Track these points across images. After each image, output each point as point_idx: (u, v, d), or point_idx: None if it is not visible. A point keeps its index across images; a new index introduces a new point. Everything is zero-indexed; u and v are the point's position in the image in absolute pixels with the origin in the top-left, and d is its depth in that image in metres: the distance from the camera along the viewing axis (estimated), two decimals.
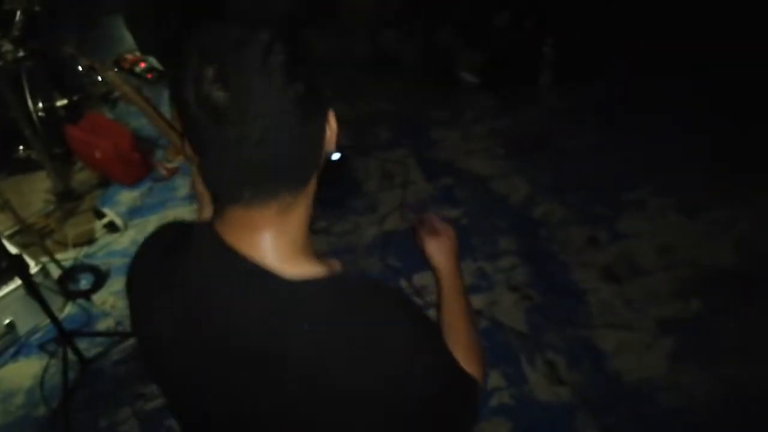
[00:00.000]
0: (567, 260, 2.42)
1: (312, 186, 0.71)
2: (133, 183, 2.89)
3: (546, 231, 2.53)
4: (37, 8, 2.93)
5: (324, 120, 0.69)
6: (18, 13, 2.82)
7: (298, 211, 0.69)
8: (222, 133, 0.61)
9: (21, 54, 2.73)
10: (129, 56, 3.66)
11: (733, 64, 2.94)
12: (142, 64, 3.56)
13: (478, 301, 2.29)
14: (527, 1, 3.37)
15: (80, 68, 2.55)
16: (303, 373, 0.66)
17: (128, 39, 3.87)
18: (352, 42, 3.79)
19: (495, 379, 2.02)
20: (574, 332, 2.18)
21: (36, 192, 2.91)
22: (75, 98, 3.15)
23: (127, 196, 2.86)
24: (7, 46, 2.71)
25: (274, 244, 0.68)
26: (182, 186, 2.88)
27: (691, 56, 3.07)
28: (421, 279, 2.38)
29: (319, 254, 0.74)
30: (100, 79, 2.31)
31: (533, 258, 2.44)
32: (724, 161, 2.68)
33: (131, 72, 3.57)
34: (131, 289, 0.80)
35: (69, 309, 2.39)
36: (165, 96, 3.34)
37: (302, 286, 0.67)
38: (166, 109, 3.17)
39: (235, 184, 0.66)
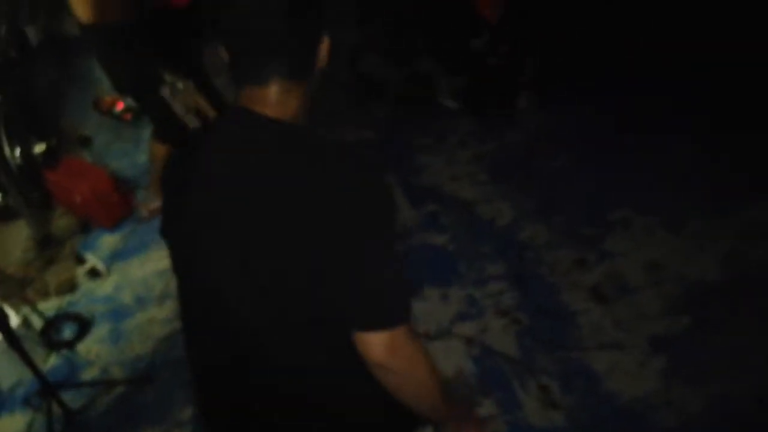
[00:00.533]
0: (555, 282, 2.41)
1: (307, 89, 0.94)
2: (114, 225, 2.86)
3: (533, 254, 2.53)
4: (13, 54, 2.92)
5: (317, 27, 0.92)
6: None
7: (294, 98, 0.92)
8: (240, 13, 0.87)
9: None
10: (107, 98, 3.64)
11: (714, 79, 3.00)
12: (120, 105, 3.55)
13: (467, 328, 2.28)
14: (504, 26, 3.42)
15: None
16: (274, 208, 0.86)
17: (105, 81, 3.87)
18: (334, 69, 3.81)
19: (488, 407, 2.00)
20: (566, 354, 2.17)
21: (15, 241, 2.87)
22: (52, 142, 3.13)
23: (108, 240, 2.82)
24: None
25: (275, 112, 0.91)
26: None
27: (670, 74, 3.13)
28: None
29: None
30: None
31: (521, 282, 2.43)
32: (707, 176, 2.71)
33: (109, 113, 3.56)
34: (164, 184, 1.05)
35: (53, 360, 2.34)
36: (144, 135, 3.33)
37: (297, 129, 0.93)
38: (145, 147, 3.17)
39: (245, 67, 0.91)
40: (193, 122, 2.35)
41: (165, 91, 2.26)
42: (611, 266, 2.44)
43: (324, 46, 0.94)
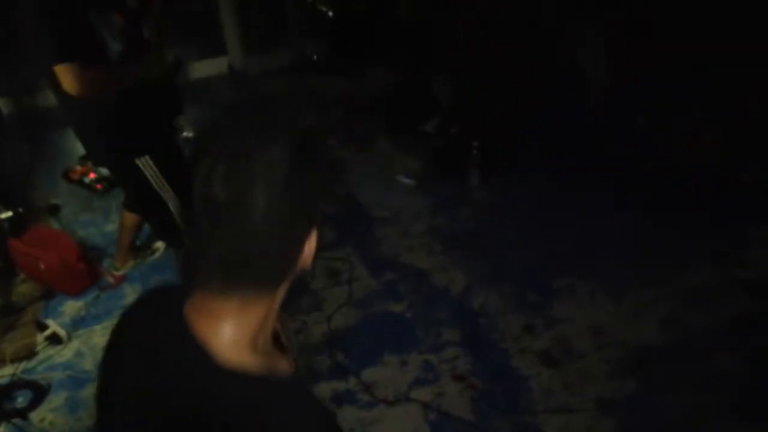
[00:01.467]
0: (507, 347, 2.54)
1: (280, 293, 0.78)
2: (78, 293, 2.87)
3: (485, 320, 2.67)
4: None
5: (307, 235, 0.76)
6: None
7: (258, 309, 0.76)
8: (214, 224, 0.70)
9: None
10: (78, 167, 3.74)
11: (650, 157, 3.30)
12: (92, 175, 3.64)
13: (425, 393, 2.35)
14: (454, 109, 3.72)
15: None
16: None
17: (76, 151, 3.97)
18: None
19: None
20: (520, 419, 2.26)
21: None
22: (19, 211, 3.17)
23: (71, 307, 2.83)
24: None
25: (229, 332, 0.75)
26: (130, 293, 2.88)
27: (610, 152, 3.43)
28: (370, 375, 2.44)
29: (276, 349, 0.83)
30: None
31: (475, 347, 2.54)
32: (645, 246, 2.95)
33: (81, 183, 3.64)
34: (111, 338, 0.88)
35: (3, 429, 2.29)
36: (114, 205, 3.41)
37: (236, 376, 0.74)
38: (113, 217, 3.23)
39: (210, 272, 0.75)
40: (167, 192, 2.45)
41: (142, 162, 2.36)
42: (559, 331, 2.59)
43: (310, 244, 0.77)
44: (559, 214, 3.21)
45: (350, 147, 3.94)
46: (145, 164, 2.39)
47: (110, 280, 2.93)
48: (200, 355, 0.74)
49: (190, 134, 2.78)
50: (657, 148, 3.40)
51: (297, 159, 0.70)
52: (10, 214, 3.10)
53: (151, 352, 0.80)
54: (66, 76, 1.99)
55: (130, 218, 2.81)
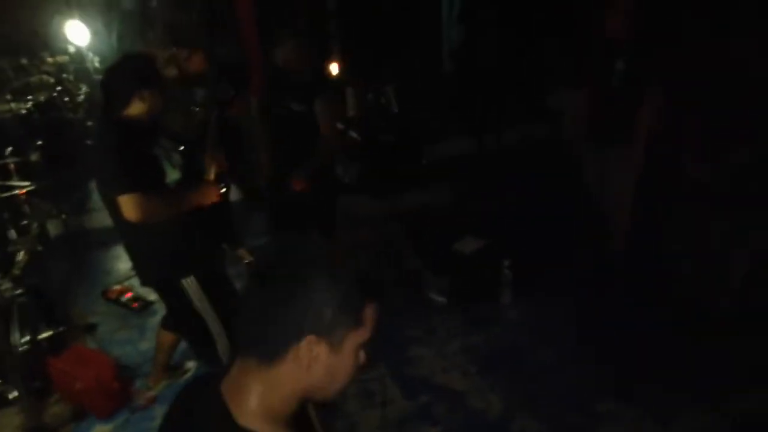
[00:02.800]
0: None
1: (306, 377, 0.93)
2: (109, 415, 2.85)
3: None
4: (39, 248, 3.17)
5: (307, 334, 0.91)
6: (21, 253, 3.05)
7: (277, 382, 0.92)
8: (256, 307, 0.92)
9: (18, 291, 2.88)
10: (116, 287, 3.86)
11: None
12: (128, 294, 3.75)
13: None
14: (485, 228, 3.82)
15: None
16: None
17: (115, 271, 4.12)
18: None
19: None
20: None
21: (5, 429, 2.83)
22: (59, 330, 3.24)
23: (101, 430, 2.80)
24: (6, 285, 2.88)
25: (252, 400, 0.92)
26: (160, 415, 2.84)
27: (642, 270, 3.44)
28: None
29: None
30: None
31: None
32: (693, 368, 2.82)
33: (117, 302, 3.74)
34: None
35: None
36: (150, 324, 3.48)
37: None
38: (149, 335, 3.26)
39: (247, 349, 0.94)
40: (209, 314, 2.51)
41: (187, 282, 2.45)
42: None
43: (317, 351, 0.93)
44: (595, 333, 3.17)
45: (381, 265, 4.02)
46: (190, 285, 2.48)
47: (141, 401, 2.92)
48: (224, 416, 0.91)
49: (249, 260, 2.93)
50: (687, 270, 3.41)
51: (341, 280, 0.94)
52: (50, 333, 3.17)
53: (184, 418, 1.00)
54: (128, 205, 2.14)
55: (168, 337, 2.85)
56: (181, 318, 2.66)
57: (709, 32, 3.33)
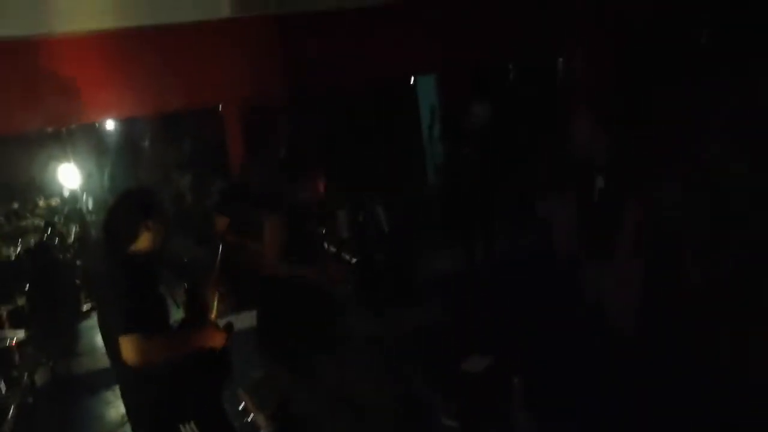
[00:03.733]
0: None
1: None
2: None
3: None
4: (30, 399, 3.02)
5: None
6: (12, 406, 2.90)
7: None
8: None
9: None
10: None
11: None
12: None
13: None
14: (490, 344, 3.75)
15: None
16: None
17: (106, 416, 3.90)
18: None
19: None
20: None
21: None
22: None
23: None
24: None
25: None
26: None
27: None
28: None
29: None
30: None
31: None
32: None
33: None
34: None
35: None
36: None
37: None
38: None
39: None
40: None
41: (187, 428, 2.31)
42: None
43: None
44: None
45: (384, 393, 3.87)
46: (189, 430, 2.34)
47: None
48: None
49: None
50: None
51: None
52: None
53: None
54: (128, 347, 2.06)
55: None
56: None
57: (681, 145, 3.51)
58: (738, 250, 3.28)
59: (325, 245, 4.00)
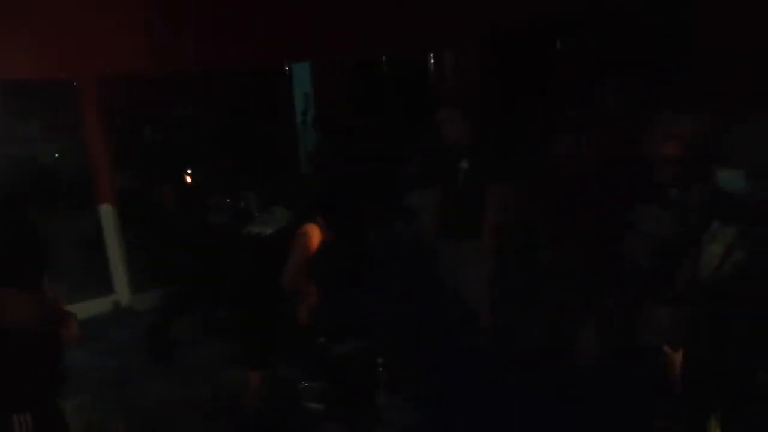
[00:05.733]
0: None
1: None
2: None
3: None
4: None
5: None
6: None
7: None
8: None
9: None
10: None
11: None
12: None
13: None
14: (355, 327, 3.78)
15: None
16: None
17: None
18: None
19: None
20: None
21: None
22: None
23: None
24: None
25: None
26: None
27: None
28: None
29: None
30: None
31: None
32: None
33: None
34: None
35: None
36: None
37: None
38: None
39: None
40: None
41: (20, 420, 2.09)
42: None
43: None
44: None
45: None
46: (22, 423, 2.11)
47: None
48: None
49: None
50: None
51: None
52: None
53: None
54: None
55: None
56: None
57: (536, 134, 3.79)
58: (587, 237, 3.52)
59: None
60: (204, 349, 4.40)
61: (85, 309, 4.87)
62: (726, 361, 2.36)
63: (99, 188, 5.05)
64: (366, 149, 5.73)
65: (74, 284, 4.98)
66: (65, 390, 2.53)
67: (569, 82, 4.21)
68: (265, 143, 6.26)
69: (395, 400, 3.46)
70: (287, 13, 5.70)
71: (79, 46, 4.76)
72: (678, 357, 2.65)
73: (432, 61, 6.35)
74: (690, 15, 3.99)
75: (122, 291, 5.11)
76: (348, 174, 5.70)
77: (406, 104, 6.31)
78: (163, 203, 4.78)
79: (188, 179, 5.10)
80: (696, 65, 3.85)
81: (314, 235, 3.31)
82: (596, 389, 3.19)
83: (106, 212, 5.07)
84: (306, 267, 3.32)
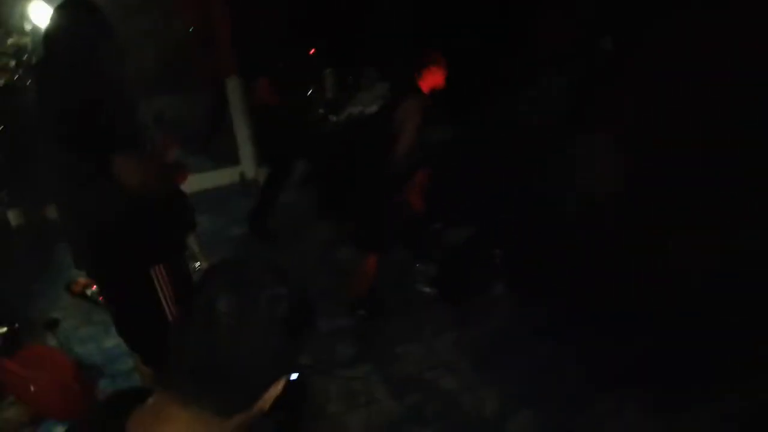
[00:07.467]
0: None
1: (231, 425, 0.82)
2: (70, 417, 2.60)
3: None
4: None
5: (276, 380, 0.84)
6: None
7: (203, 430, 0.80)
8: (203, 337, 0.77)
9: None
10: (80, 280, 3.59)
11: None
12: (95, 287, 3.48)
13: None
14: (470, 215, 3.62)
15: None
16: None
17: None
18: (311, 259, 3.88)
19: None
20: None
21: None
22: (15, 326, 2.98)
23: None
24: None
25: None
26: None
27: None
28: None
29: None
30: None
31: None
32: (697, 357, 2.61)
33: (83, 295, 3.48)
34: None
35: None
36: None
37: None
38: (113, 331, 3.02)
39: (179, 379, 0.80)
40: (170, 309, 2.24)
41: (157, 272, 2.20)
42: None
43: (276, 388, 0.85)
44: (593, 326, 2.97)
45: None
46: (159, 274, 2.22)
47: None
48: None
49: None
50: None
51: (296, 308, 0.81)
52: (4, 330, 2.91)
53: None
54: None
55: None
56: (137, 318, 2.34)
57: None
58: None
59: None
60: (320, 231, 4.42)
61: (212, 179, 5.11)
62: None
63: (224, 62, 5.07)
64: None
65: (202, 155, 5.23)
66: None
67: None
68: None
69: (510, 291, 3.32)
70: None
71: None
72: None
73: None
74: None
75: (247, 163, 5.27)
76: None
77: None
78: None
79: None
80: None
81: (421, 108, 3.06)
82: None
83: (233, 85, 5.11)
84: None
